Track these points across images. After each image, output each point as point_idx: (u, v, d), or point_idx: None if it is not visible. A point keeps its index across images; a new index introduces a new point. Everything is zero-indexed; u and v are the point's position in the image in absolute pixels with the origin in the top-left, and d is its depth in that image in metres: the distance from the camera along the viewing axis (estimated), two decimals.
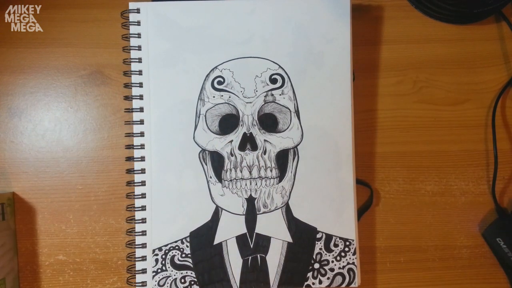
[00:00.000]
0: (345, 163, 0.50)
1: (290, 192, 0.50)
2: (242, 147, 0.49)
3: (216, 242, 0.49)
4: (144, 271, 0.49)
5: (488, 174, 0.53)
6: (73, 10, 0.54)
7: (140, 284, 0.49)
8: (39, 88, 0.53)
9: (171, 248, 0.49)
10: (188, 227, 0.49)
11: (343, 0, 0.50)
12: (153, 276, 0.49)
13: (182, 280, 0.49)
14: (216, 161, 0.49)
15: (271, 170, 0.49)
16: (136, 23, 0.50)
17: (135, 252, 0.49)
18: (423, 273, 0.52)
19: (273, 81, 0.50)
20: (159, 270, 0.49)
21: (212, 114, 0.50)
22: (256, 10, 0.50)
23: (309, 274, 0.49)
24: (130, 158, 0.50)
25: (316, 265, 0.49)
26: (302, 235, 0.49)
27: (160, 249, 0.49)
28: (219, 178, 0.49)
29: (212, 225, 0.49)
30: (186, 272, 0.49)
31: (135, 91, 0.50)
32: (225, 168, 0.49)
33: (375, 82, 0.54)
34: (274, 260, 0.49)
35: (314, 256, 0.49)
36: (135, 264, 0.49)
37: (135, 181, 0.50)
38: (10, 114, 0.53)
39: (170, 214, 0.49)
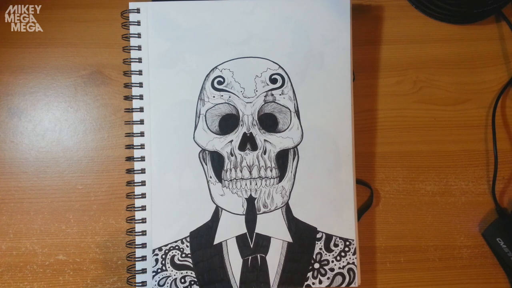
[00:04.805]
0: (345, 163, 0.50)
1: (290, 192, 0.50)
2: (242, 147, 0.49)
3: (216, 242, 0.49)
4: (144, 271, 0.49)
5: (488, 174, 0.53)
6: (73, 10, 0.54)
7: (140, 284, 0.49)
8: (39, 88, 0.53)
9: (171, 248, 0.49)
10: (188, 227, 0.49)
11: (343, 0, 0.50)
12: (153, 276, 0.49)
13: (182, 280, 0.49)
14: (216, 161, 0.49)
15: (271, 170, 0.49)
16: (136, 23, 0.50)
17: (135, 252, 0.49)
18: (423, 273, 0.52)
19: (273, 81, 0.50)
20: (159, 270, 0.49)
21: (212, 114, 0.50)
22: (256, 10, 0.50)
23: (309, 274, 0.49)
24: (130, 158, 0.50)
25: (316, 265, 0.49)
26: (302, 235, 0.49)
27: (160, 249, 0.49)
28: (219, 178, 0.49)
29: (212, 225, 0.49)
30: (186, 272, 0.49)
31: (135, 91, 0.50)
32: (225, 168, 0.49)
33: (375, 82, 0.54)
34: (274, 260, 0.49)
35: (314, 256, 0.49)
36: (135, 264, 0.49)
37: (135, 181, 0.50)
38: (10, 114, 0.53)
39: (170, 214, 0.49)
